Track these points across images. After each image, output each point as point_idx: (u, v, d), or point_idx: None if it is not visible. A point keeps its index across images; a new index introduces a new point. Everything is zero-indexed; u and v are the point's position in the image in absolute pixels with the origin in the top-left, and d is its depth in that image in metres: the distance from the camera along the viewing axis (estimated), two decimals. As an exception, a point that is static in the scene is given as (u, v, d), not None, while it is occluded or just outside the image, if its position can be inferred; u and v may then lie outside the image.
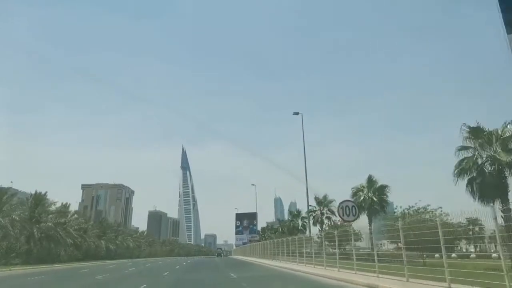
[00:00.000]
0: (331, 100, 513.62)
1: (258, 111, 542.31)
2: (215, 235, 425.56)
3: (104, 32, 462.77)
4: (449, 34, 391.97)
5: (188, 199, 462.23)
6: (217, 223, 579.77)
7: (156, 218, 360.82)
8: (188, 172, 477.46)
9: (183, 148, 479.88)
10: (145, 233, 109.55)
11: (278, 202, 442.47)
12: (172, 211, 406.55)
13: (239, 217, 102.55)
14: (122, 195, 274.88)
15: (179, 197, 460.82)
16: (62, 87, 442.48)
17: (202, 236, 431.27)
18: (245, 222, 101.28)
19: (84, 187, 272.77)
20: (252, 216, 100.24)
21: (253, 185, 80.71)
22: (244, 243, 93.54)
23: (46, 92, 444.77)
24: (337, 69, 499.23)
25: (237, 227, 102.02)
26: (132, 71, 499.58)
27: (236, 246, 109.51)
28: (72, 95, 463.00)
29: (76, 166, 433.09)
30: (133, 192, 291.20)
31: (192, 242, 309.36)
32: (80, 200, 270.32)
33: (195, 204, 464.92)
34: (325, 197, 45.26)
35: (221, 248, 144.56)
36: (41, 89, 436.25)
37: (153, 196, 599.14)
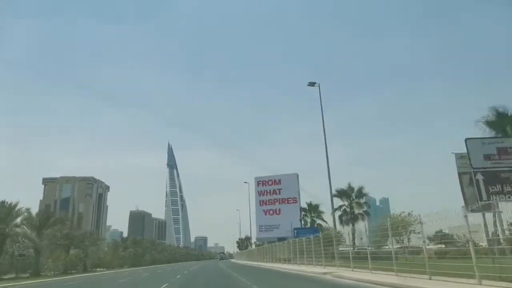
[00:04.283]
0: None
1: (251, 112, 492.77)
2: (206, 237, 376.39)
3: (86, 35, 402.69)
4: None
5: (175, 199, 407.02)
6: (207, 226, 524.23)
7: (138, 218, 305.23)
8: (175, 171, 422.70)
9: (169, 145, 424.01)
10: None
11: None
12: (159, 212, 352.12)
13: (264, 185, 49.66)
14: (94, 190, 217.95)
15: (166, 197, 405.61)
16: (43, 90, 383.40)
17: (192, 239, 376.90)
18: (274, 197, 48.61)
19: (46, 181, 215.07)
20: (290, 183, 48.06)
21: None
22: (281, 238, 40.88)
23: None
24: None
25: (261, 203, 49.09)
26: (122, 74, 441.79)
27: (255, 243, 57.06)
28: (54, 98, 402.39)
29: (53, 168, 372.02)
30: (107, 187, 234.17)
31: (181, 245, 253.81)
32: (41, 197, 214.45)
33: (183, 205, 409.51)
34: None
35: (223, 252, 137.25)
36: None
37: (136, 196, 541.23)
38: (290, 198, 47.00)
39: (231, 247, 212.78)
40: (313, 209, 44.36)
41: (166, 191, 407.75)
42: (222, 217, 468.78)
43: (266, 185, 49.15)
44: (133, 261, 69.85)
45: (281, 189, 47.96)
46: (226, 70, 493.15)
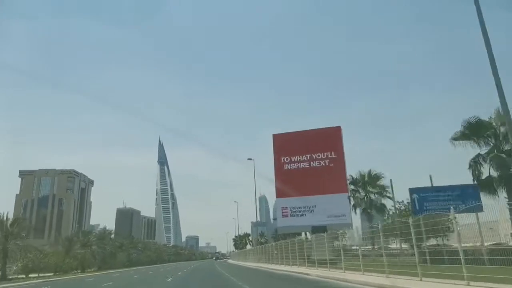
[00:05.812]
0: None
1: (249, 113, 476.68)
2: (197, 237, 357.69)
3: (79, 36, 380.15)
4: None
5: (166, 197, 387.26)
6: (198, 226, 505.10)
7: (126, 216, 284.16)
8: (166, 168, 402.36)
9: (160, 142, 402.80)
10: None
11: (263, 201, 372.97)
12: (148, 211, 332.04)
13: (287, 147, 31.41)
14: (75, 184, 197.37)
15: (156, 195, 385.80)
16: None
17: (184, 239, 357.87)
18: (304, 164, 30.60)
19: (23, 174, 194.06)
20: (329, 141, 30.12)
21: None
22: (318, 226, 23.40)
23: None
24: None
25: (280, 175, 30.83)
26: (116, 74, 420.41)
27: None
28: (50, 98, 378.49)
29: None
30: (91, 182, 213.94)
31: (171, 245, 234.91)
32: (17, 191, 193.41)
33: (174, 203, 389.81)
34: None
35: (218, 252, 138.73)
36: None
37: (125, 194, 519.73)
38: (330, 164, 29.07)
39: (223, 247, 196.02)
40: (371, 181, 26.65)
41: (157, 189, 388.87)
42: (214, 216, 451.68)
43: (290, 146, 30.77)
44: (100, 263, 51.83)
45: (316, 150, 29.84)
46: (223, 69, 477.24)
